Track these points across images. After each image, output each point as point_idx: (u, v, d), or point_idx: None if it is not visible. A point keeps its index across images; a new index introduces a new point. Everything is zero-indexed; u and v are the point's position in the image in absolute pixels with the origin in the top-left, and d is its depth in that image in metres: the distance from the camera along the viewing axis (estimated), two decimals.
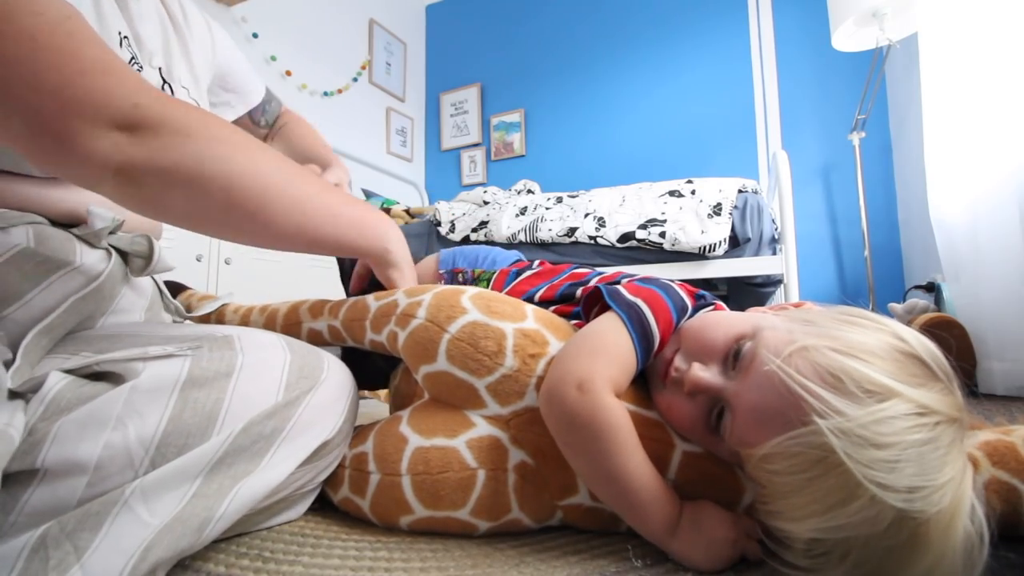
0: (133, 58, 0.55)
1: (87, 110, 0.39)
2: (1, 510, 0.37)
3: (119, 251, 0.58)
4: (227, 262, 1.83)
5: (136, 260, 0.59)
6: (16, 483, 0.38)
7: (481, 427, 0.50)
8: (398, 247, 0.62)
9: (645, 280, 0.55)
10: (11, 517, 0.37)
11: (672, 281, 0.55)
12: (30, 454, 0.38)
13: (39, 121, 0.38)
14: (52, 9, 0.38)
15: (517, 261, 0.80)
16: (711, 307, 0.55)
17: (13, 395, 0.38)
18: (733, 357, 0.43)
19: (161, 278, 0.70)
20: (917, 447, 0.34)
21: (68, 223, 0.54)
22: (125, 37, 0.54)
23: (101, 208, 0.54)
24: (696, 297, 0.54)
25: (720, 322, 0.47)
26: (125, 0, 0.55)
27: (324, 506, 0.57)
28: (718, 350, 0.45)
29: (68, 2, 0.40)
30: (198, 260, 1.75)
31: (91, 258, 0.54)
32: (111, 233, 0.56)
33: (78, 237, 0.54)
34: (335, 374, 0.52)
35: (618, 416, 0.44)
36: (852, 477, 0.33)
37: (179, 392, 0.41)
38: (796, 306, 0.50)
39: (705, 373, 0.44)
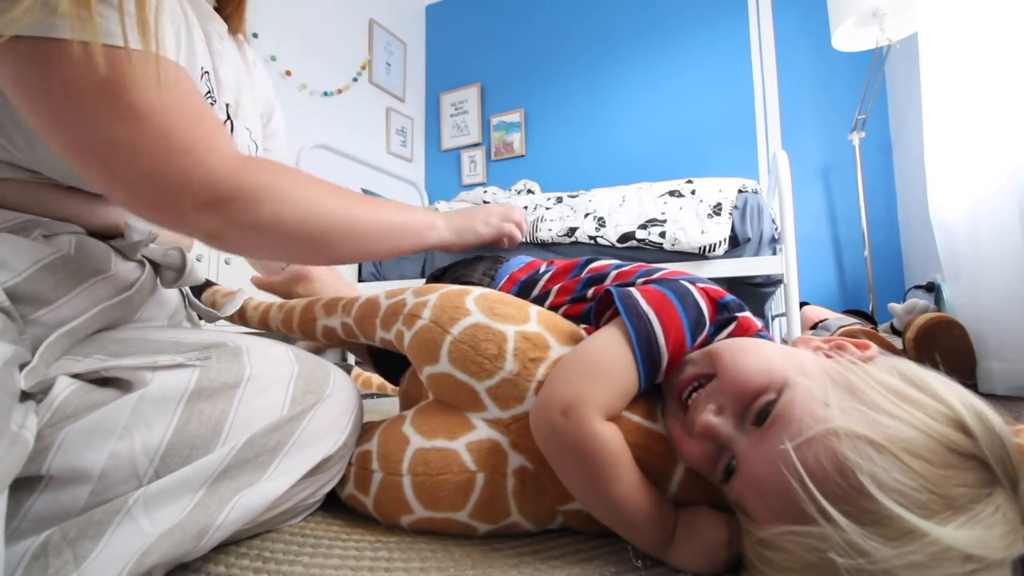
0: (209, 92, 0.57)
1: (171, 196, 0.44)
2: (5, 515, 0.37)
3: (151, 262, 0.59)
4: (227, 262, 1.83)
5: (168, 272, 0.61)
6: (21, 489, 0.38)
7: (481, 430, 0.50)
8: (439, 225, 0.68)
9: (664, 283, 0.50)
10: (14, 522, 0.37)
11: (694, 283, 0.50)
12: (36, 460, 0.38)
13: (137, 199, 0.45)
14: (161, 81, 0.41)
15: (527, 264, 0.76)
16: (734, 321, 0.49)
17: (24, 396, 0.38)
18: (756, 412, 0.38)
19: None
20: None
21: (106, 235, 0.56)
22: (206, 72, 0.57)
23: (138, 222, 0.56)
24: (718, 307, 0.49)
25: (751, 362, 0.41)
26: (211, 38, 0.58)
27: (324, 506, 0.57)
28: (742, 397, 0.39)
29: (174, 62, 0.44)
30: (199, 260, 1.75)
31: (124, 268, 0.55)
32: (145, 246, 0.58)
33: (115, 249, 0.56)
34: (341, 388, 0.52)
35: (605, 443, 0.41)
36: None
37: (185, 403, 0.42)
38: (860, 347, 0.41)
39: (717, 419, 0.40)
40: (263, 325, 0.74)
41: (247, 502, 0.42)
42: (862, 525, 0.30)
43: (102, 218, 0.56)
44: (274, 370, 0.48)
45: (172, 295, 0.65)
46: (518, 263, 0.75)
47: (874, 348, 0.41)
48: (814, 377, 0.38)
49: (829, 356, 0.41)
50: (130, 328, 0.54)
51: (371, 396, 1.34)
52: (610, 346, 0.45)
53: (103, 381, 0.44)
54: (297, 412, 0.47)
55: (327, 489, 0.54)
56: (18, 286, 0.45)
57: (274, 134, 0.82)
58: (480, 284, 0.70)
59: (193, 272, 0.62)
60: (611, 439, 0.42)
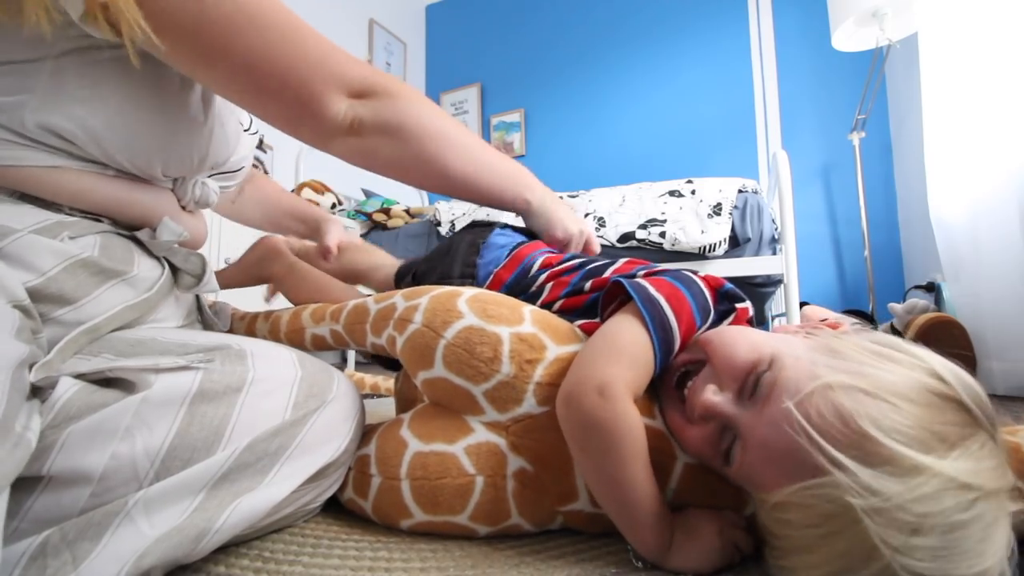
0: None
1: (334, 82, 0.54)
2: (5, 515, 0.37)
3: (171, 265, 0.60)
4: (226, 261, 1.83)
5: (186, 277, 0.61)
6: (21, 489, 0.38)
7: (480, 433, 0.49)
8: (536, 195, 0.74)
9: (668, 273, 0.51)
10: (14, 522, 0.37)
11: (695, 273, 0.51)
12: (37, 460, 0.38)
13: (299, 91, 0.52)
14: (293, 15, 0.51)
15: (516, 248, 0.71)
16: (734, 313, 0.51)
17: (30, 393, 0.38)
18: (752, 385, 0.40)
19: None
20: (953, 531, 0.30)
21: (137, 226, 0.57)
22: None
23: (172, 222, 0.57)
24: (719, 295, 0.51)
25: (740, 342, 0.43)
26: None
27: (324, 506, 0.57)
28: (736, 374, 0.41)
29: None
30: None
31: (146, 268, 0.56)
32: (171, 245, 0.58)
33: (139, 245, 0.57)
34: (344, 394, 0.52)
35: (634, 425, 0.42)
36: (869, 538, 0.31)
37: (188, 406, 0.42)
38: (832, 326, 0.45)
39: (718, 398, 0.41)
40: (250, 335, 0.72)
41: (247, 507, 0.42)
42: (871, 467, 0.32)
43: (139, 207, 0.57)
44: (277, 374, 0.47)
45: (188, 299, 0.65)
46: (499, 254, 0.70)
47: (846, 324, 0.44)
48: (798, 347, 0.41)
49: (808, 336, 0.44)
50: (143, 328, 0.54)
51: (367, 397, 1.34)
52: (630, 330, 0.46)
53: (107, 382, 0.44)
54: (300, 416, 0.46)
55: (327, 495, 0.54)
56: (41, 286, 0.45)
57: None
58: (463, 285, 0.67)
59: (211, 281, 0.63)
60: (638, 422, 0.43)
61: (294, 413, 0.46)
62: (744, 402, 0.41)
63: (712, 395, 0.42)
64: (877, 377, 0.35)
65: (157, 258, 0.59)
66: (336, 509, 0.56)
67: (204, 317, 0.69)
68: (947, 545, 0.30)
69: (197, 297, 0.68)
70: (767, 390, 0.39)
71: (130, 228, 0.58)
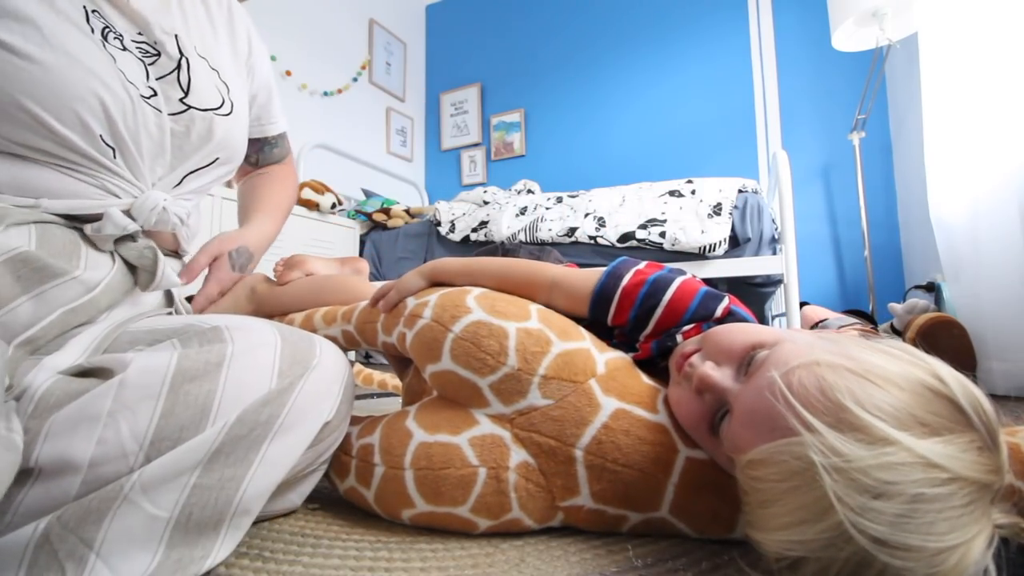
0: (107, 27, 0.57)
1: None
2: None
3: (126, 262, 0.57)
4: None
5: (143, 274, 0.58)
6: (11, 483, 0.38)
7: (484, 425, 0.50)
8: None
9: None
10: (6, 518, 0.37)
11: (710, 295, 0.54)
12: (23, 453, 0.37)
13: None
14: None
15: None
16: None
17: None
18: (747, 364, 0.43)
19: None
20: (917, 502, 0.30)
21: (83, 219, 0.54)
22: (94, 11, 0.57)
23: (119, 214, 0.54)
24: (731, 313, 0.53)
25: (743, 329, 0.47)
26: None
27: (324, 504, 0.57)
28: (734, 354, 0.44)
29: None
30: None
31: (93, 266, 0.53)
32: (121, 240, 0.55)
33: (85, 239, 0.54)
34: (328, 358, 0.51)
35: None
36: (827, 495, 0.31)
37: (169, 385, 0.41)
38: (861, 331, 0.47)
39: (715, 372, 0.44)
40: None
41: (256, 486, 0.43)
42: (841, 432, 0.32)
43: (81, 201, 0.54)
44: (257, 345, 0.46)
45: (150, 300, 0.62)
46: None
47: (853, 330, 0.44)
48: (801, 336, 0.43)
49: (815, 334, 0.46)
50: (98, 325, 0.52)
51: (371, 396, 1.34)
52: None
53: (83, 372, 0.43)
54: (286, 384, 0.45)
55: (325, 457, 0.53)
56: None
57: (268, 106, 0.86)
58: None
59: (167, 276, 0.59)
60: None
61: (280, 381, 0.45)
62: (739, 378, 0.43)
63: (710, 370, 0.44)
64: (869, 362, 0.35)
65: (110, 255, 0.56)
66: (336, 508, 0.56)
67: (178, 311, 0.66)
68: (908, 514, 0.30)
69: (171, 301, 0.65)
70: (757, 365, 0.41)
71: (77, 221, 0.54)
